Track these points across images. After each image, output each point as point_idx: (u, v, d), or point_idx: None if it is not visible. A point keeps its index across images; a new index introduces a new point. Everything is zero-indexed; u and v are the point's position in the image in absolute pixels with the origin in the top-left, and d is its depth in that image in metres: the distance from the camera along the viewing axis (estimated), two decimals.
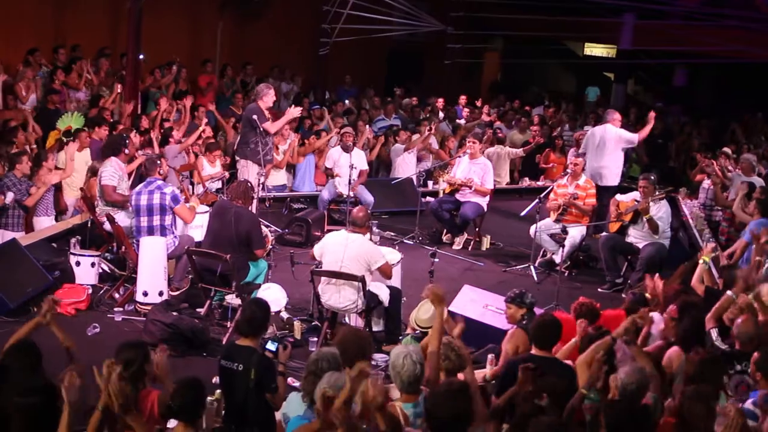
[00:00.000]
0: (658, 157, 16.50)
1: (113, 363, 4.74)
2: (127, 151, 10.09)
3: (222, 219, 8.42)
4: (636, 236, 10.14)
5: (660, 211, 9.95)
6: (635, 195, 10.28)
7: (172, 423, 5.20)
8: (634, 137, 12.48)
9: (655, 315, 6.95)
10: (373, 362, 7.52)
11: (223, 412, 5.85)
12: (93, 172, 10.21)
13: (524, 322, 6.75)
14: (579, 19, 19.15)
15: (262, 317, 5.88)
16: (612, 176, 12.31)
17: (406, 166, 13.94)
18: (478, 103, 18.15)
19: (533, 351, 5.90)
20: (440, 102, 17.68)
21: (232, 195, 8.68)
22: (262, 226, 9.20)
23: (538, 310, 7.36)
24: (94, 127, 11.53)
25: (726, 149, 13.10)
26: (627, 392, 5.06)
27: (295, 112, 11.28)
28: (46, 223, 10.05)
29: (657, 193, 10.02)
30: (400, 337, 7.71)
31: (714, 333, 6.31)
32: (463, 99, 18.18)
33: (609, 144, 12.25)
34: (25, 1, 14.64)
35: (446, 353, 5.50)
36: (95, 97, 13.36)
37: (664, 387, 5.79)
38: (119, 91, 13.21)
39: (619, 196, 10.69)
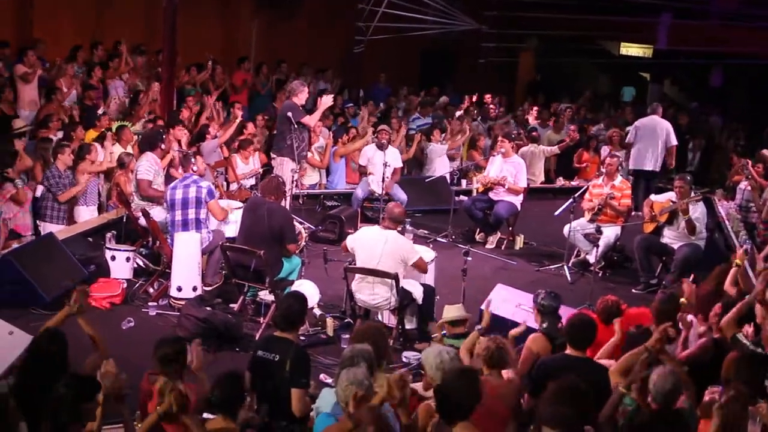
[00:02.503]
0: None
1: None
2: (163, 146, 10.17)
3: (255, 214, 8.44)
4: (671, 237, 10.05)
5: (696, 212, 9.84)
6: (670, 195, 10.19)
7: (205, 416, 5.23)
8: (674, 143, 13.56)
9: (693, 319, 6.86)
10: (404, 359, 7.57)
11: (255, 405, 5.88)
12: (121, 164, 10.26)
13: (545, 326, 6.73)
14: (615, 18, 18.98)
15: (299, 309, 5.93)
16: (655, 162, 13.39)
17: (444, 165, 13.89)
18: (491, 101, 18.06)
19: (568, 351, 5.86)
20: (467, 101, 17.69)
21: (264, 191, 8.71)
22: (296, 222, 9.23)
23: (570, 310, 7.33)
24: (168, 128, 11.32)
25: (765, 151, 12.87)
26: (662, 396, 5.02)
27: (327, 101, 11.31)
28: (86, 214, 10.15)
29: (693, 194, 9.94)
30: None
31: (742, 337, 6.20)
32: (487, 97, 18.17)
33: (661, 133, 13.36)
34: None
35: (489, 348, 5.52)
36: (136, 93, 13.42)
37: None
38: (156, 89, 13.27)
39: (653, 197, 10.62)
